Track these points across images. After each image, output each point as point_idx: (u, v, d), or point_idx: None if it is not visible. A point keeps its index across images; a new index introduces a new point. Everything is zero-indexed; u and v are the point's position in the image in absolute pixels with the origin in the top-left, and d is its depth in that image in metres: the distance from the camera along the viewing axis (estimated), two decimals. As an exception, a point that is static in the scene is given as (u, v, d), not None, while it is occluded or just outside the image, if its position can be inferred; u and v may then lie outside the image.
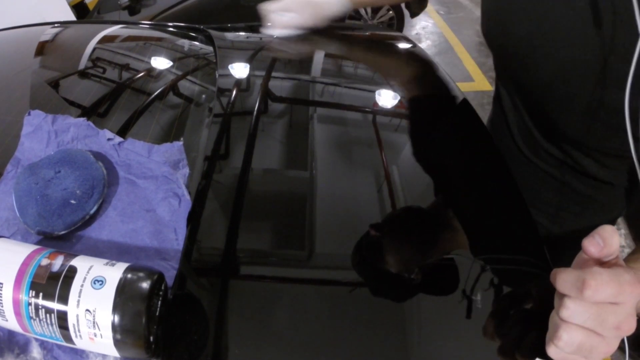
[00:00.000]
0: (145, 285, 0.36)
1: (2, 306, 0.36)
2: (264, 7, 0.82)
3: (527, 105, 0.63)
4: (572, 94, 0.50)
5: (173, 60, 0.84)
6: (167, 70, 0.80)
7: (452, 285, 0.45)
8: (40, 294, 0.35)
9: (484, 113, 0.73)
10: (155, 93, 0.72)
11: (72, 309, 0.35)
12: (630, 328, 0.31)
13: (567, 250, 0.43)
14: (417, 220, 0.53)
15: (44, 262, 0.37)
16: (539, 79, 0.54)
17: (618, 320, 0.30)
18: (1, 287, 0.35)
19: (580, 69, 0.47)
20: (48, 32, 0.95)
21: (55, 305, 0.35)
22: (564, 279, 0.31)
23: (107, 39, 0.91)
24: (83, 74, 0.78)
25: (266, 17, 0.83)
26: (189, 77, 0.78)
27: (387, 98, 0.73)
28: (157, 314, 0.37)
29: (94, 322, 0.34)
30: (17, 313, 0.36)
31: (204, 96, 0.73)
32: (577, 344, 0.31)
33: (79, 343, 0.36)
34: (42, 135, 0.57)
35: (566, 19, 0.46)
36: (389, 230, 0.50)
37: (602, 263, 0.32)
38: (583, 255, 0.33)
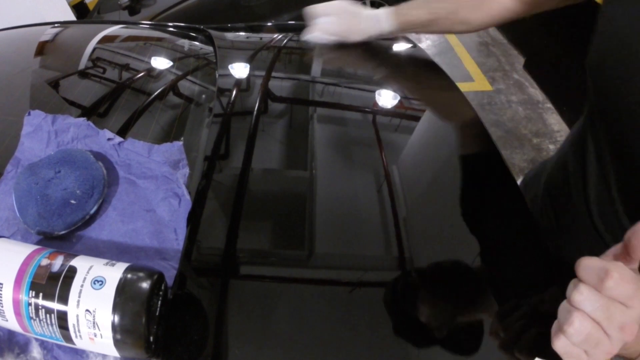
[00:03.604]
0: (145, 285, 0.36)
1: (2, 306, 0.36)
2: (309, 10, 0.77)
3: (620, 177, 0.50)
4: None
5: (173, 60, 0.84)
6: (167, 70, 0.80)
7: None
8: (40, 294, 0.35)
9: (484, 113, 0.71)
10: (155, 93, 0.72)
11: (72, 309, 0.35)
12: (632, 333, 0.31)
13: None
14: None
15: (44, 262, 0.37)
16: None
17: (624, 320, 0.31)
18: (1, 287, 0.35)
19: None
20: (48, 32, 0.95)
21: (55, 306, 0.35)
22: (588, 265, 0.32)
23: (107, 39, 0.91)
24: (83, 74, 0.78)
25: (308, 19, 0.78)
26: (189, 77, 0.78)
27: (387, 98, 0.73)
28: (157, 314, 0.37)
29: (94, 322, 0.34)
30: (17, 313, 0.36)
31: (204, 96, 0.73)
32: (586, 334, 0.31)
33: (79, 343, 0.36)
34: (42, 135, 0.57)
35: None
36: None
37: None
38: (614, 249, 0.33)
